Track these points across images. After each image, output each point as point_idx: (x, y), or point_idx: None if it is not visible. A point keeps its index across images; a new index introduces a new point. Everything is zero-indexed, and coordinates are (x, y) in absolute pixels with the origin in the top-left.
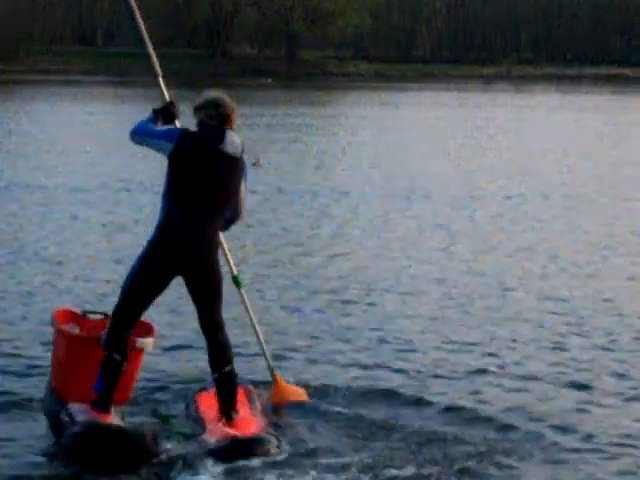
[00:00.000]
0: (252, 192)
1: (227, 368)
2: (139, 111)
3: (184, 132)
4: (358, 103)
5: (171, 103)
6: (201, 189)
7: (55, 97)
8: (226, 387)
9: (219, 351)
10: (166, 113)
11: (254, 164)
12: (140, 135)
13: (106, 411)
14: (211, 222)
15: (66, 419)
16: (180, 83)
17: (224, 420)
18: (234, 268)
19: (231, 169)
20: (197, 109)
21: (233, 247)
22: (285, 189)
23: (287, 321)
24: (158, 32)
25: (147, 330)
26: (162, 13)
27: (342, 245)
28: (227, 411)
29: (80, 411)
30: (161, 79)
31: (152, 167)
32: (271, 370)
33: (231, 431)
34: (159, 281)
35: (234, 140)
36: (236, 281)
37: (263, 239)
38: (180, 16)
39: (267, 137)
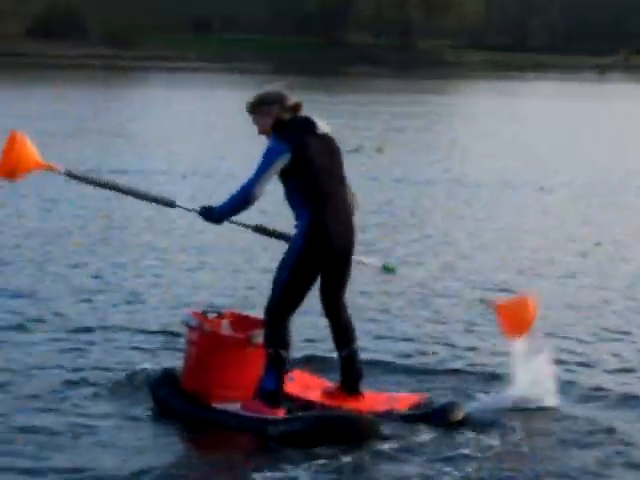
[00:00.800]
0: (372, 180)
1: (354, 345)
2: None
3: (282, 137)
4: (476, 92)
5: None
6: (330, 177)
7: (170, 83)
8: (355, 362)
9: (347, 329)
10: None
11: (378, 150)
12: (255, 182)
13: (280, 406)
14: (348, 207)
15: (224, 420)
16: (296, 71)
17: (354, 393)
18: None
19: (336, 147)
20: (268, 106)
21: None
22: (421, 177)
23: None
24: (273, 20)
25: (255, 324)
26: (278, 1)
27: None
28: (356, 385)
29: (244, 410)
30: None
31: None
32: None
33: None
34: (316, 277)
35: (319, 120)
36: (387, 268)
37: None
38: (296, 4)
39: (390, 125)
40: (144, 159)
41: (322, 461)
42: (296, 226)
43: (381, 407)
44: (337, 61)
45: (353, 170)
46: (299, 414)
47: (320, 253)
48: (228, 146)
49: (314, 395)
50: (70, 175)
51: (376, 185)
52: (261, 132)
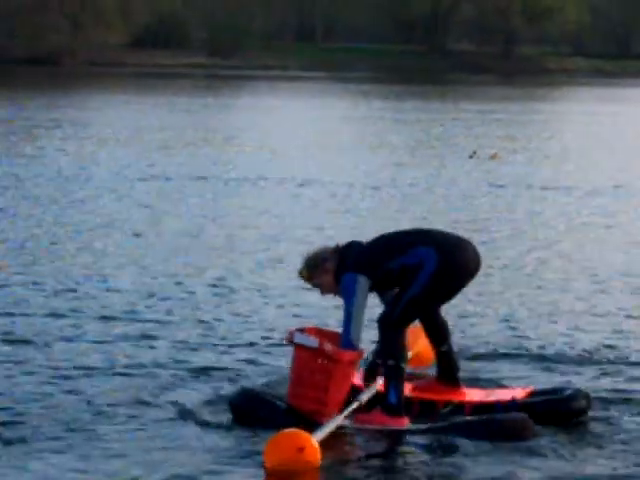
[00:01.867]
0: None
1: (450, 339)
2: (353, 106)
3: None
4: (581, 99)
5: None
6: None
7: (273, 92)
8: (453, 355)
9: (444, 326)
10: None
11: (492, 157)
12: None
13: (405, 416)
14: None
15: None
16: (399, 79)
17: (455, 385)
18: None
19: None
20: (323, 265)
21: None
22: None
23: None
24: (376, 28)
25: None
26: (381, 9)
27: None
28: (456, 377)
29: (367, 423)
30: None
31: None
32: None
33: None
34: (445, 295)
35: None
36: None
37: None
38: (399, 12)
39: (502, 132)
40: (255, 167)
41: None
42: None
43: (494, 397)
44: (439, 69)
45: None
46: (438, 423)
47: (454, 271)
48: (339, 154)
49: (415, 392)
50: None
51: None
52: (327, 291)
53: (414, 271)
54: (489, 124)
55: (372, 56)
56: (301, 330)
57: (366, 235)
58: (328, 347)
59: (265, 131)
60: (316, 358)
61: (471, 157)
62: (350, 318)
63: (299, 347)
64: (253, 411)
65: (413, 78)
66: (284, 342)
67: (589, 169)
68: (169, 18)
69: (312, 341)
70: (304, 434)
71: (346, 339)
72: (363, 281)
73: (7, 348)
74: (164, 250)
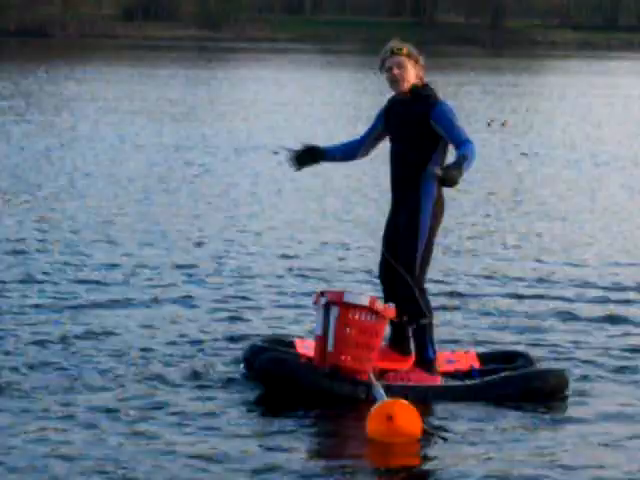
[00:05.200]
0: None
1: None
2: (346, 79)
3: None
4: (569, 71)
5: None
6: None
7: (263, 64)
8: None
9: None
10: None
11: (503, 124)
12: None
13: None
14: None
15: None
16: None
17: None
18: None
19: None
20: (417, 59)
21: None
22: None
23: None
24: (365, 0)
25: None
26: None
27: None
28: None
29: (407, 381)
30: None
31: None
32: None
33: None
34: None
35: None
36: None
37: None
38: None
39: (500, 103)
40: (234, 135)
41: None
42: (414, 191)
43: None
44: (428, 41)
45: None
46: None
47: (441, 217)
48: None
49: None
50: None
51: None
52: (399, 79)
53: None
54: (488, 95)
55: (360, 28)
56: (322, 293)
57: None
58: (379, 305)
59: (241, 101)
60: (366, 316)
61: (489, 125)
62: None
63: (346, 306)
64: (290, 377)
65: None
66: (313, 304)
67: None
68: None
69: (363, 299)
70: (390, 402)
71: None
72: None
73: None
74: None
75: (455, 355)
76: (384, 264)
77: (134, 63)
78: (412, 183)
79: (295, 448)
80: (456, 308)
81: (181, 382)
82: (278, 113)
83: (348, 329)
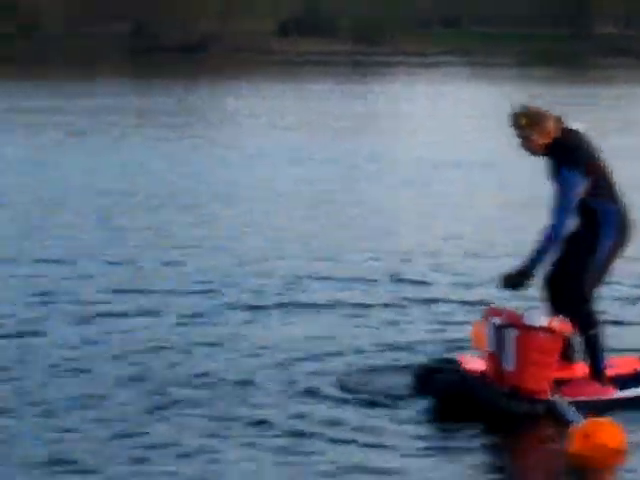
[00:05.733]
0: None
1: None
2: (500, 92)
3: (572, 162)
4: None
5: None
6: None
7: (416, 78)
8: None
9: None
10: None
11: None
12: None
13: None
14: None
15: (565, 411)
16: (546, 63)
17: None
18: None
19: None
20: (544, 123)
21: None
22: None
23: None
24: (524, 11)
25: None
26: None
27: None
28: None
29: (589, 397)
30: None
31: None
32: None
33: None
34: None
35: (574, 124)
36: None
37: None
38: None
39: None
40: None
41: None
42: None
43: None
44: (584, 52)
45: None
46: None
47: (624, 241)
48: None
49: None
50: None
51: None
52: (527, 150)
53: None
54: None
55: (514, 41)
56: (494, 311)
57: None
58: (556, 323)
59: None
60: (544, 336)
61: None
62: (563, 209)
63: (526, 328)
64: (469, 395)
65: (557, 62)
66: (484, 318)
67: None
68: (314, 6)
69: (542, 320)
70: (591, 422)
71: (556, 227)
72: (583, 185)
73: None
74: None
75: (615, 360)
76: (550, 275)
77: (289, 78)
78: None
79: (472, 465)
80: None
81: (346, 397)
82: (441, 127)
83: (528, 351)
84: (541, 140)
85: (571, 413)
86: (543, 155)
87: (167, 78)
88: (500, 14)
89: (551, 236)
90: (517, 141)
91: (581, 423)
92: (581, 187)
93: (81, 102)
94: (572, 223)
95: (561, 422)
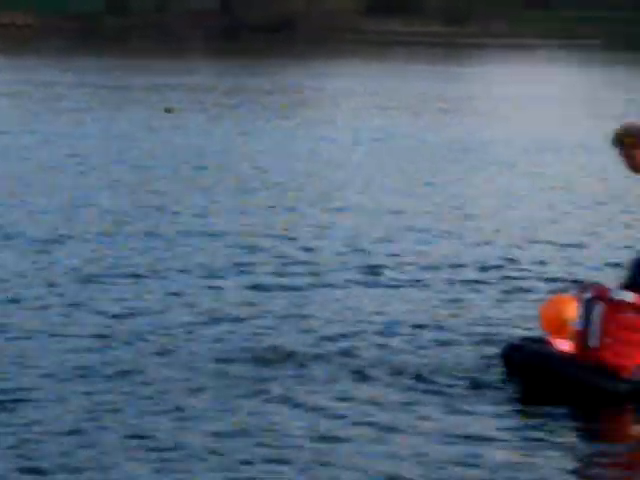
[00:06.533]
0: None
1: None
2: (593, 73)
3: None
4: None
5: None
6: None
7: (506, 60)
8: None
9: None
10: None
11: None
12: None
13: None
14: None
15: None
16: (629, 46)
17: None
18: None
19: None
20: None
21: None
22: None
23: None
24: None
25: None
26: None
27: None
28: None
29: None
30: None
31: None
32: None
33: None
34: None
35: None
36: None
37: None
38: None
39: None
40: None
41: None
42: None
43: None
44: None
45: None
46: None
47: None
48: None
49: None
50: None
51: None
52: (633, 169)
53: None
54: None
55: (602, 23)
56: (584, 287)
57: None
58: None
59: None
60: (631, 313)
61: None
62: None
63: (612, 302)
64: (553, 371)
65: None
66: (576, 295)
67: None
68: None
69: (630, 297)
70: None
71: None
72: None
73: None
74: None
75: None
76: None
77: (381, 58)
78: None
79: (557, 443)
80: None
81: (432, 379)
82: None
83: (613, 326)
84: None
85: None
86: None
87: (257, 58)
88: None
89: None
90: (621, 160)
91: None
92: None
93: (174, 80)
94: None
95: None
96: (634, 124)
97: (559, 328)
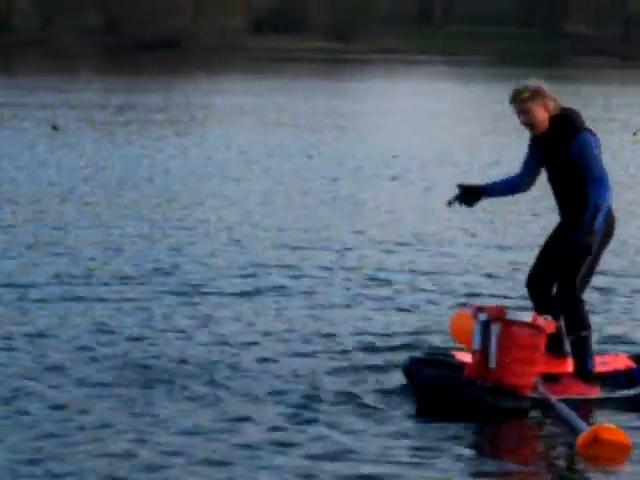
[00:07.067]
0: None
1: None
2: (476, 91)
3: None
4: None
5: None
6: None
7: (390, 75)
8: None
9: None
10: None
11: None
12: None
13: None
14: None
15: (569, 416)
16: (516, 62)
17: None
18: None
19: None
20: (544, 98)
21: None
22: None
23: None
24: (497, 9)
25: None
26: None
27: None
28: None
29: (577, 394)
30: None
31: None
32: None
33: None
34: None
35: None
36: None
37: None
38: None
39: None
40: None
41: None
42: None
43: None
44: (556, 52)
45: None
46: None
47: (611, 234)
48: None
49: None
50: None
51: None
52: (530, 124)
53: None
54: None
55: (491, 39)
56: (479, 308)
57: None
58: (540, 320)
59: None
60: (527, 332)
61: (635, 134)
62: (601, 171)
63: (509, 323)
64: (454, 392)
65: (531, 62)
66: (472, 316)
67: None
68: (294, 3)
69: (526, 316)
70: (598, 426)
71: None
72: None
73: None
74: None
75: (606, 357)
76: (536, 274)
77: (267, 75)
78: (577, 212)
79: (460, 455)
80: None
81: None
82: (427, 125)
83: (510, 346)
84: (543, 114)
85: (576, 418)
86: (541, 134)
87: (146, 75)
88: (472, 11)
89: (604, 202)
90: (517, 118)
91: (586, 428)
92: (597, 150)
93: (62, 97)
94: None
95: (565, 426)
96: (531, 82)
97: (469, 340)
